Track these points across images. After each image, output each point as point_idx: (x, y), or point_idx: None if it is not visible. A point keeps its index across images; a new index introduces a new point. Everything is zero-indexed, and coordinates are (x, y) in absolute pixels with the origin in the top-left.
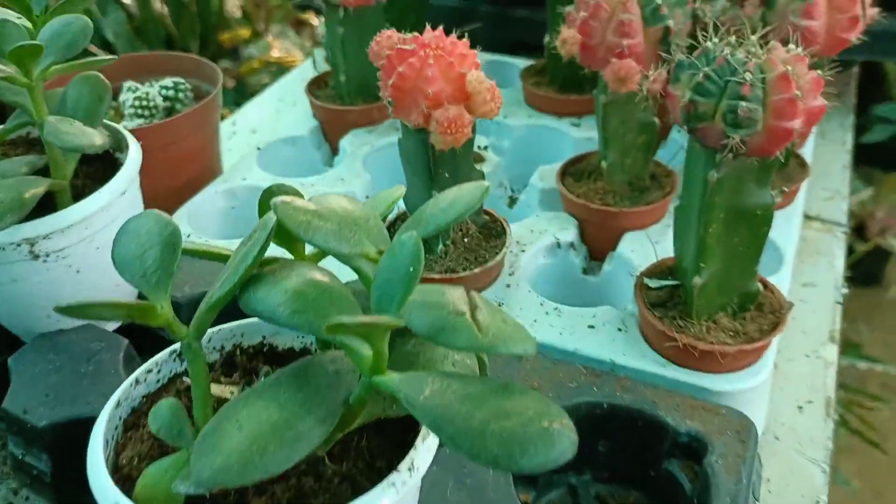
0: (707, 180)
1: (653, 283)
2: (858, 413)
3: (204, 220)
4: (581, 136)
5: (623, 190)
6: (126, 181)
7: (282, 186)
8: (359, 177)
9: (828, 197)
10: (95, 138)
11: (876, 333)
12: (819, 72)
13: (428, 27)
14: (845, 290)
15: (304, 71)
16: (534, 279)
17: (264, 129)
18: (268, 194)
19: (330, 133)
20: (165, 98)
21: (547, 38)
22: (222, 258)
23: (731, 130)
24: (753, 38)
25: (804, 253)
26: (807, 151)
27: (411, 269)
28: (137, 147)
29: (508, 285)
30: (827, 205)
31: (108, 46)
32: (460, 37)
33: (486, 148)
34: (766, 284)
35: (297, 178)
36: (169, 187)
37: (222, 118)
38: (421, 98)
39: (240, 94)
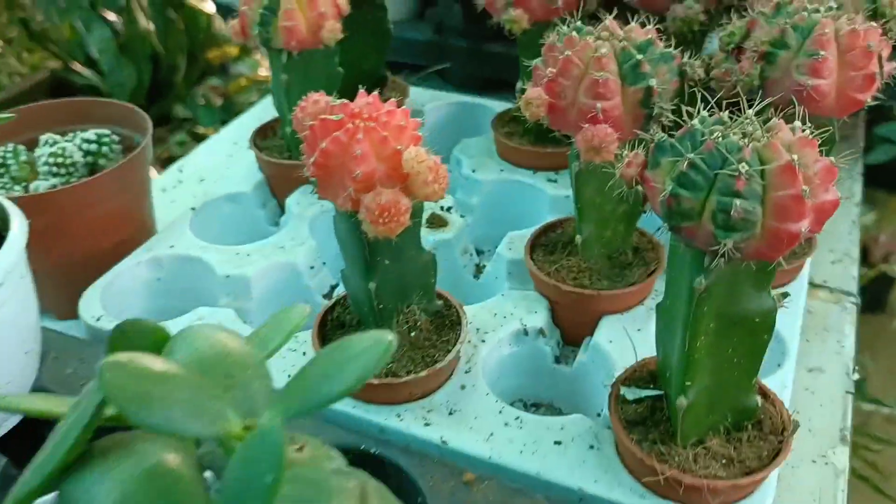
0: (693, 288)
1: (631, 395)
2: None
3: (124, 297)
4: (558, 193)
5: (601, 266)
6: (2, 272)
7: (137, 323)
8: (303, 244)
9: (836, 260)
10: None
11: (881, 364)
12: (832, 158)
13: (361, 90)
14: (857, 377)
15: (266, 109)
16: (496, 372)
17: (213, 178)
18: (116, 338)
19: (276, 189)
20: (87, 153)
21: (520, 84)
22: (49, 416)
23: (723, 234)
24: (750, 112)
25: (809, 329)
26: None
27: (269, 480)
28: (22, 223)
29: (463, 386)
30: (835, 270)
31: (93, 63)
32: (440, 74)
33: (449, 209)
34: (766, 394)
35: (233, 244)
36: (88, 255)
37: (171, 161)
38: (348, 179)
39: (227, 113)
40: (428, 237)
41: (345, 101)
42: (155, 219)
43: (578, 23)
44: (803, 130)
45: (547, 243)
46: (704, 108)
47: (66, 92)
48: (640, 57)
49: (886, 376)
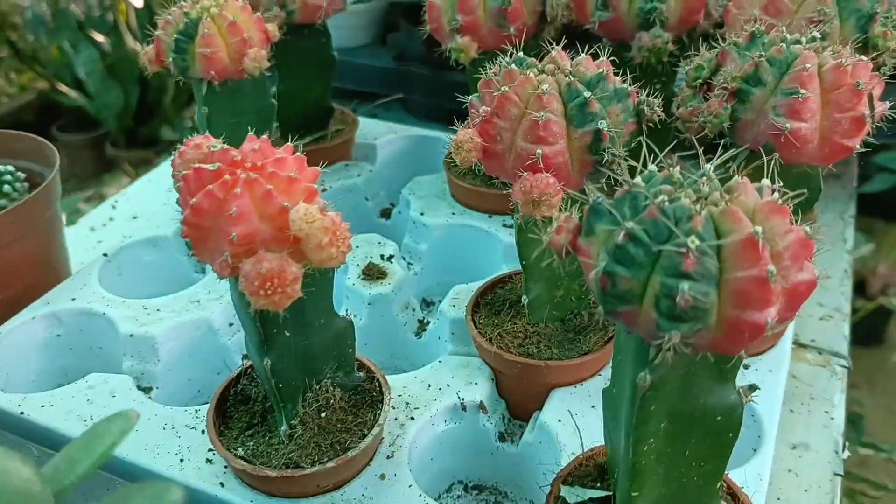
0: (637, 385)
1: (572, 498)
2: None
3: (16, 356)
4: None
5: (552, 331)
6: None
7: None
8: (221, 297)
9: (825, 316)
10: None
11: (879, 400)
12: (808, 228)
13: (250, 133)
14: (847, 454)
15: None
16: (430, 451)
17: (148, 216)
18: None
19: None
20: None
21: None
22: None
23: (668, 325)
24: (708, 166)
25: (794, 398)
26: None
27: None
28: None
29: (383, 475)
30: (824, 327)
31: (80, 85)
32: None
33: (390, 258)
34: (735, 495)
35: (143, 298)
36: None
37: (102, 198)
38: (224, 242)
39: None
40: (363, 291)
41: (226, 146)
42: (69, 264)
43: (521, 54)
44: (774, 191)
45: (493, 301)
46: (672, 154)
47: (53, 113)
48: (587, 95)
49: (885, 414)
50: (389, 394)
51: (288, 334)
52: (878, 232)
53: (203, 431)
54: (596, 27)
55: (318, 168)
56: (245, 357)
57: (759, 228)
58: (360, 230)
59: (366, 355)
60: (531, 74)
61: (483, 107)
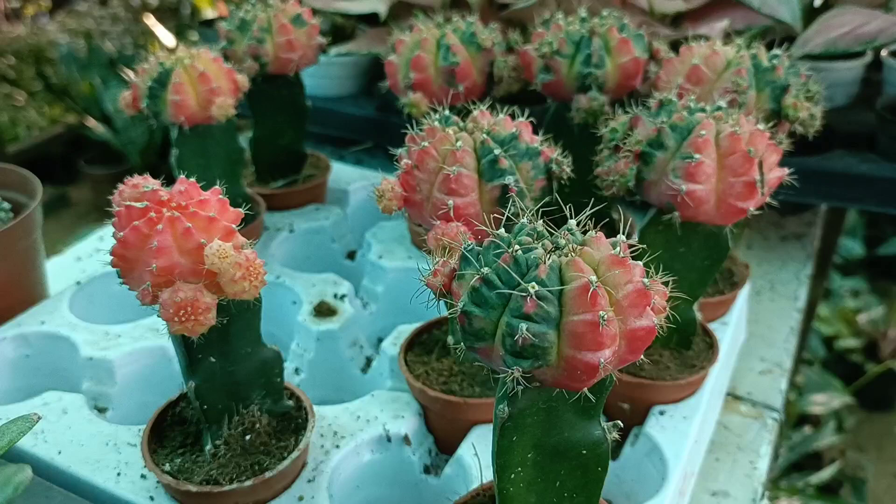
0: (496, 415)
1: None
2: None
3: None
4: None
5: (476, 370)
6: None
7: None
8: None
9: (765, 370)
10: None
11: (886, 466)
12: (645, 280)
13: (182, 176)
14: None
15: None
16: (354, 481)
17: None
18: None
19: None
20: None
21: None
22: None
23: (511, 361)
24: (573, 222)
25: (721, 447)
26: (743, 306)
27: None
28: None
29: (301, 498)
30: (761, 381)
31: (107, 119)
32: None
33: (343, 297)
34: None
35: (107, 324)
36: None
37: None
38: (146, 272)
39: None
40: (312, 327)
41: (157, 187)
42: (47, 290)
43: (447, 112)
44: (630, 246)
45: (427, 341)
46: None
47: (80, 146)
48: (497, 152)
49: (891, 481)
50: (314, 421)
51: (213, 360)
52: (891, 295)
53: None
54: (540, 88)
55: (240, 210)
56: None
57: (593, 278)
58: (324, 270)
59: (312, 388)
60: (451, 132)
61: (405, 160)
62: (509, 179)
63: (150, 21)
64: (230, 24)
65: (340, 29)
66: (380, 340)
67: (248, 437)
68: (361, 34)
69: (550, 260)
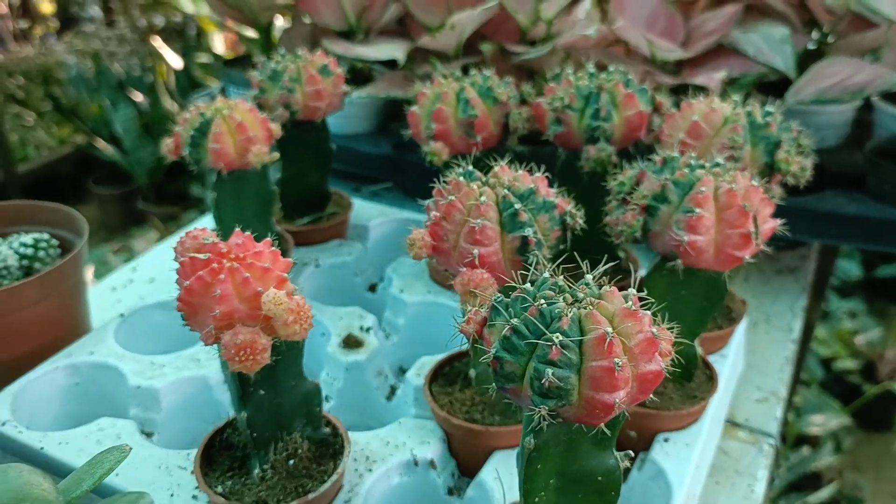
0: (524, 446)
1: None
2: None
3: (38, 402)
4: None
5: (497, 400)
6: None
7: None
8: (217, 358)
9: (761, 399)
10: None
11: (884, 486)
12: (654, 329)
13: (237, 230)
14: None
15: None
16: (383, 502)
17: (162, 280)
18: None
19: None
20: (23, 257)
21: None
22: None
23: (538, 401)
24: (589, 276)
25: (720, 471)
26: (740, 339)
27: None
28: None
29: None
30: (758, 409)
31: (116, 141)
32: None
33: (368, 329)
34: None
35: (148, 353)
36: (10, 358)
37: (129, 251)
38: (209, 317)
39: None
40: (341, 358)
41: (216, 241)
42: (90, 321)
43: (470, 167)
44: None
45: (450, 373)
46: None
47: (88, 166)
48: (518, 206)
49: (889, 502)
50: (350, 447)
51: (262, 393)
52: (889, 316)
53: (192, 472)
54: (552, 138)
55: (290, 260)
56: None
57: (609, 329)
58: (347, 303)
59: (340, 414)
60: (474, 187)
61: (434, 212)
62: (528, 231)
63: (157, 42)
64: (262, 75)
65: (359, 71)
66: (401, 369)
67: (291, 462)
68: (379, 77)
69: (572, 313)
